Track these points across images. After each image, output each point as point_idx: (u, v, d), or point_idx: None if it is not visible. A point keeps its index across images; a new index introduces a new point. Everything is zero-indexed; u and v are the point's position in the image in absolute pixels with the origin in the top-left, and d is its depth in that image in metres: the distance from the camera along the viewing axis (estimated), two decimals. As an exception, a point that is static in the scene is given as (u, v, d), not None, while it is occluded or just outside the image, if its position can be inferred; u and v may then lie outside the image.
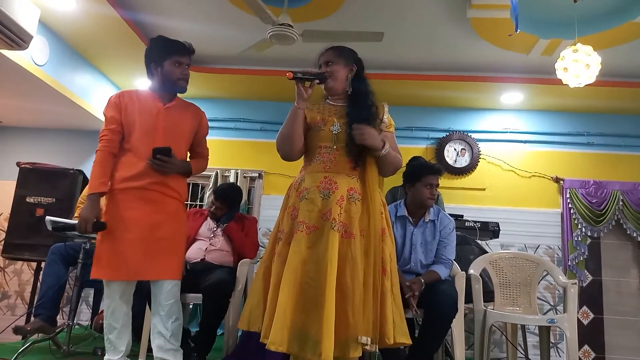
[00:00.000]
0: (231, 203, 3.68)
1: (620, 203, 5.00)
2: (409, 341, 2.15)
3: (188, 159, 2.71)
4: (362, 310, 2.03)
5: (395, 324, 2.12)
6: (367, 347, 2.01)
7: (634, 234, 4.95)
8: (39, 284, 3.75)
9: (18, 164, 4.41)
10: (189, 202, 5.43)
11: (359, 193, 2.21)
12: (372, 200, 2.21)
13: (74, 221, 3.23)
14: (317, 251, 2.07)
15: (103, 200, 2.50)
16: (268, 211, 5.22)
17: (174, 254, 2.52)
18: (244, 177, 5.31)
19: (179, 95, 2.71)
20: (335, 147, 2.25)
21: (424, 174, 3.01)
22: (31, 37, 3.56)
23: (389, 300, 2.12)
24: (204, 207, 4.98)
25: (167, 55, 2.58)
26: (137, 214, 2.43)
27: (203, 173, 5.25)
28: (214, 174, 5.26)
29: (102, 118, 5.40)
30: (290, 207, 2.23)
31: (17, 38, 3.47)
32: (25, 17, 3.44)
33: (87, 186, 2.48)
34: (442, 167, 3.08)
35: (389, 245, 2.23)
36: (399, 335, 2.12)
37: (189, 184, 5.37)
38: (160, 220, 2.47)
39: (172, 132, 2.56)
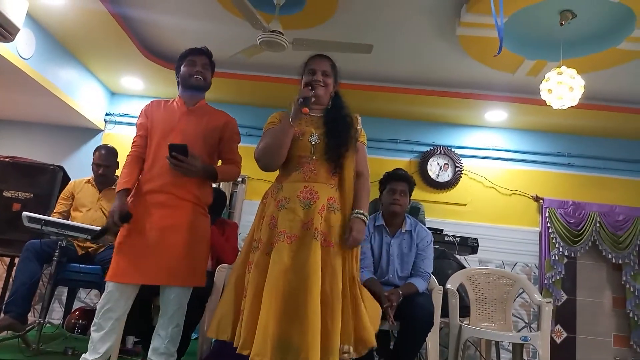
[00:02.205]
0: (214, 208, 3.65)
1: (597, 224, 5.09)
2: (374, 344, 2.17)
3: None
4: (340, 318, 2.05)
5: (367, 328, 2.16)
6: (346, 356, 2.06)
7: (609, 256, 5.03)
8: (11, 280, 3.68)
9: (-4, 156, 4.33)
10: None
11: (337, 203, 2.25)
12: (349, 211, 2.26)
13: (90, 226, 3.20)
14: (299, 261, 2.09)
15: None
16: (250, 217, 5.13)
17: (185, 260, 2.45)
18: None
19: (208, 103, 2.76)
20: (314, 157, 2.27)
21: (388, 180, 3.08)
22: (18, 30, 3.51)
23: (361, 307, 2.17)
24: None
25: (183, 60, 2.70)
26: (150, 219, 2.44)
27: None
28: (196, 176, 5.22)
29: (88, 115, 5.37)
30: (269, 217, 2.24)
31: (3, 30, 3.42)
32: (13, 9, 3.40)
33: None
34: (409, 175, 3.11)
35: (356, 255, 2.28)
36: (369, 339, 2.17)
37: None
38: (173, 225, 2.44)
39: (190, 134, 2.55)
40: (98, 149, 3.75)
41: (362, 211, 2.25)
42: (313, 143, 2.28)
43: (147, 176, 2.52)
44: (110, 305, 2.41)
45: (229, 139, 2.71)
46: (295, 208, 2.18)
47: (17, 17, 3.45)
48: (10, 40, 3.55)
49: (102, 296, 2.45)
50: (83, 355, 2.42)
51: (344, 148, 2.28)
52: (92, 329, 2.43)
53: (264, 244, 2.18)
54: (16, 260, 3.67)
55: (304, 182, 2.24)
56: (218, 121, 2.67)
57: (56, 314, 4.85)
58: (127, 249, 2.42)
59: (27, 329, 3.20)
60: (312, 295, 2.01)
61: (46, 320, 3.24)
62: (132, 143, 2.62)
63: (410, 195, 3.10)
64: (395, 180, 3.06)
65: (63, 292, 4.73)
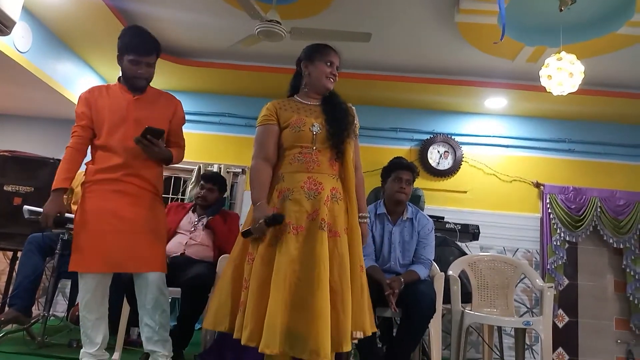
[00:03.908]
0: (220, 185, 3.69)
1: (598, 209, 5.10)
2: (375, 329, 2.27)
3: None
4: (350, 306, 2.08)
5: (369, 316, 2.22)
6: (355, 342, 2.13)
7: (610, 240, 5.04)
8: (14, 273, 3.70)
9: (-4, 151, 4.33)
10: (170, 196, 5.39)
11: (340, 192, 2.26)
12: (352, 199, 2.28)
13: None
14: (306, 252, 2.09)
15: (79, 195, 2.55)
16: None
17: (155, 246, 2.50)
18: (227, 172, 5.29)
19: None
20: (315, 147, 2.27)
21: (394, 169, 3.10)
22: (14, 23, 3.48)
23: (365, 294, 2.21)
24: (186, 201, 4.94)
25: (125, 51, 2.54)
26: (112, 206, 2.42)
27: (185, 167, 5.28)
28: (196, 168, 5.22)
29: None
30: (271, 208, 2.22)
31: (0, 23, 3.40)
32: (8, 2, 3.37)
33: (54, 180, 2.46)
34: (414, 165, 3.14)
35: (361, 243, 2.31)
36: (368, 326, 2.22)
37: (170, 177, 5.38)
38: (137, 212, 2.46)
39: (144, 123, 2.50)
40: None
41: (365, 214, 2.38)
42: (315, 133, 2.27)
43: (104, 166, 2.47)
44: (89, 295, 2.42)
45: (177, 123, 2.70)
46: (300, 199, 2.18)
47: (13, 10, 3.42)
48: (7, 33, 3.53)
49: (80, 289, 2.44)
50: (82, 350, 2.44)
51: (345, 134, 2.30)
52: (80, 323, 2.44)
53: (268, 235, 2.17)
54: (19, 254, 3.68)
55: (307, 173, 2.23)
56: (168, 108, 2.66)
57: (60, 306, 4.87)
58: (92, 237, 2.39)
59: (32, 321, 3.23)
60: (320, 286, 2.01)
61: (50, 312, 3.27)
62: (73, 133, 2.51)
63: (412, 185, 3.13)
64: (401, 169, 3.08)
65: (66, 284, 4.75)
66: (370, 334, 2.18)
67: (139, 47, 2.53)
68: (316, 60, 2.39)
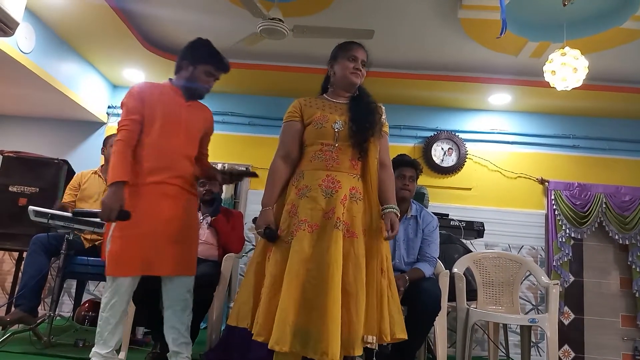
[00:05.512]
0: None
1: (603, 206, 5.07)
2: (405, 336, 2.19)
3: None
4: (364, 309, 2.04)
5: (394, 320, 2.16)
6: (369, 345, 2.05)
7: (616, 237, 5.02)
8: (20, 274, 3.71)
9: (1, 152, 4.34)
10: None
11: (360, 192, 2.22)
12: (373, 200, 2.24)
13: (92, 210, 3.18)
14: (320, 250, 2.07)
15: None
16: (254, 206, 5.19)
17: (188, 248, 2.51)
18: (231, 171, 5.28)
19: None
20: (337, 144, 2.24)
21: (397, 166, 3.05)
22: (17, 24, 3.49)
23: (385, 298, 2.15)
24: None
25: (204, 61, 2.59)
26: (154, 209, 2.40)
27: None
28: (201, 167, 5.23)
29: (90, 108, 5.33)
30: (289, 204, 2.21)
31: (3, 24, 3.40)
32: (12, 3, 3.38)
33: (108, 176, 2.39)
34: (417, 162, 3.14)
35: (385, 245, 2.24)
36: (399, 331, 2.17)
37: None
38: (175, 214, 2.45)
39: (192, 129, 2.57)
40: (111, 137, 3.71)
41: (394, 205, 2.26)
42: (336, 130, 2.24)
43: (152, 166, 2.44)
44: (117, 298, 2.38)
45: (209, 133, 2.77)
46: (317, 197, 2.15)
47: (16, 11, 3.43)
48: (10, 34, 3.54)
49: (108, 290, 2.40)
50: (93, 349, 2.41)
51: (369, 132, 2.25)
52: (99, 322, 2.40)
53: (283, 232, 2.16)
54: (24, 254, 3.70)
55: (325, 171, 2.21)
56: (207, 119, 2.72)
57: (66, 306, 4.89)
58: (136, 241, 2.36)
59: (38, 322, 3.23)
60: (332, 285, 1.98)
61: (56, 313, 3.27)
62: (124, 126, 2.43)
63: (416, 181, 3.12)
64: (404, 166, 3.07)
65: (72, 284, 4.76)
66: (388, 339, 2.13)
67: (221, 63, 2.65)
68: (339, 58, 2.38)
